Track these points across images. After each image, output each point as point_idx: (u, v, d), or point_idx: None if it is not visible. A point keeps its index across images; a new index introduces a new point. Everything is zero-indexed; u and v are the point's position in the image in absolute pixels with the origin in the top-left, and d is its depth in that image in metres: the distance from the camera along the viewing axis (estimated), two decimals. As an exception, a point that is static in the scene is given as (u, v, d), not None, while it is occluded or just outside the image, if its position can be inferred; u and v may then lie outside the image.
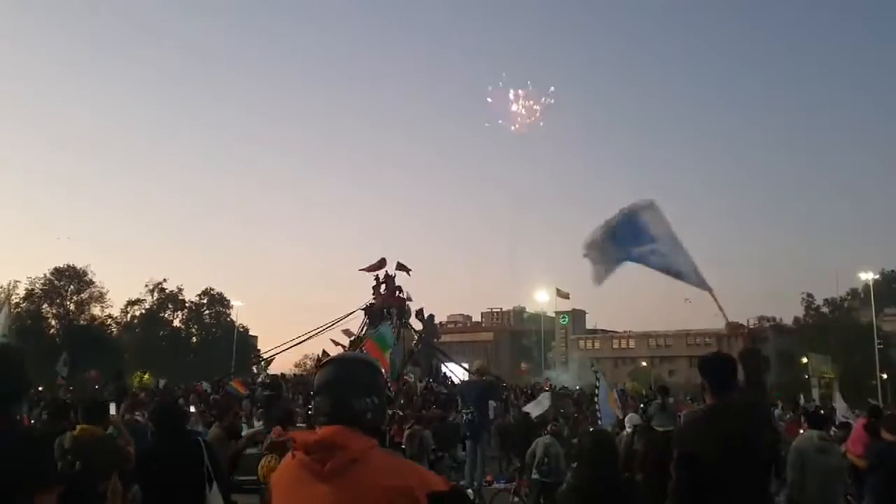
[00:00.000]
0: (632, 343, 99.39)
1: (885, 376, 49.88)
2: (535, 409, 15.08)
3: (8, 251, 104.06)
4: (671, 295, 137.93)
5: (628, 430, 10.16)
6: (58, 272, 60.69)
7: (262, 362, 41.23)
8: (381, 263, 35.88)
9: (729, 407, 3.95)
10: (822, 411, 10.05)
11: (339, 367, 2.23)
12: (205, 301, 69.83)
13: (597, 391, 14.00)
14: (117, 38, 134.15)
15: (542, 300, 66.19)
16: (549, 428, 11.80)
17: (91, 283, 61.89)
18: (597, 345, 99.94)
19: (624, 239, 4.75)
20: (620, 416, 12.54)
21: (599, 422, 13.37)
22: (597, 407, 14.15)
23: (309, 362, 69.64)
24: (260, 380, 28.21)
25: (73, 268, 61.26)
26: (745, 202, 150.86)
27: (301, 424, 8.46)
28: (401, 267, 35.81)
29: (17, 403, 2.89)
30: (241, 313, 70.05)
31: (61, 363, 21.97)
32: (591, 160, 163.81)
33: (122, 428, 5.97)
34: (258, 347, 66.40)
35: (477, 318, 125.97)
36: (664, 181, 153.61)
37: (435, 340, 38.22)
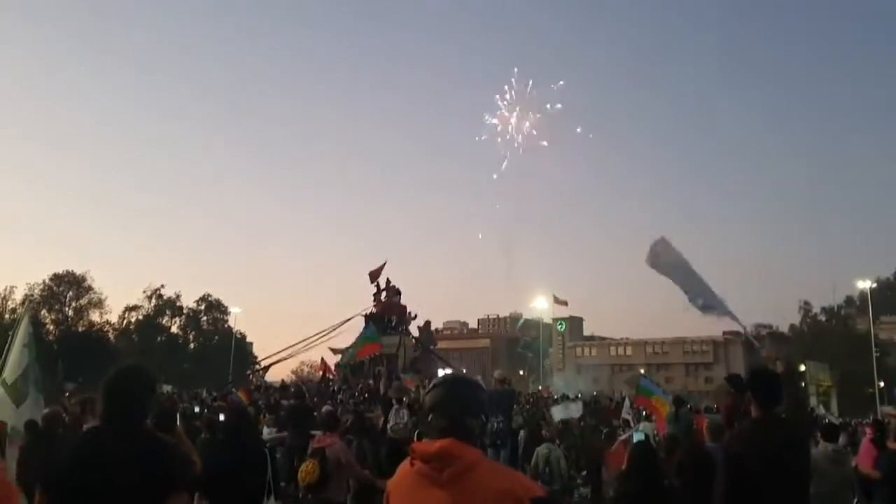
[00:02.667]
0: (629, 350, 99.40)
1: (882, 384, 49.98)
2: (561, 413, 15.01)
3: (6, 257, 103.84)
4: (668, 302, 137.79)
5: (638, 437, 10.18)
6: (57, 278, 60.65)
7: (259, 370, 41.16)
8: (382, 267, 35.83)
9: (777, 420, 4.15)
10: (831, 422, 10.12)
11: (453, 388, 2.50)
12: (202, 307, 69.75)
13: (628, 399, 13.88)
14: (120, 45, 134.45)
15: (539, 307, 66.13)
16: (544, 434, 11.88)
17: (90, 289, 62.00)
18: (594, 352, 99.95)
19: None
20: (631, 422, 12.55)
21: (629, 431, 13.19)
22: (627, 417, 14.09)
23: (306, 369, 69.68)
24: (261, 387, 28.26)
25: (72, 274, 61.26)
26: (743, 210, 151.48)
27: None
28: (393, 289, 35.71)
29: (144, 414, 3.15)
30: (239, 320, 70.10)
31: (59, 374, 21.58)
32: (592, 169, 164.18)
33: (183, 436, 6.05)
34: (255, 354, 66.41)
35: (473, 324, 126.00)
36: (661, 189, 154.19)
37: (432, 347, 38.19)
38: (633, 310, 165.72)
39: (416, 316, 36.40)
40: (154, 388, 3.24)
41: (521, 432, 13.29)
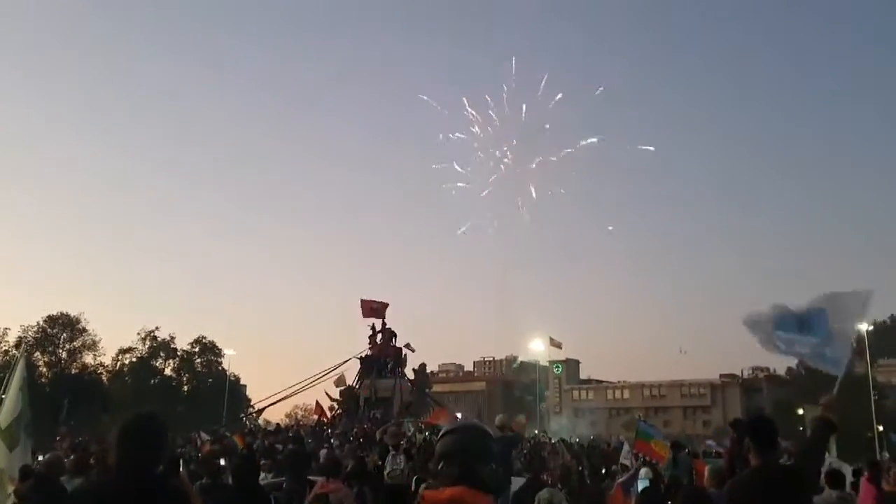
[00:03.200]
0: (626, 393, 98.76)
1: (881, 427, 49.68)
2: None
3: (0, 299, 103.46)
4: (664, 345, 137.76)
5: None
6: (51, 320, 60.18)
7: (253, 413, 40.80)
8: (384, 306, 35.65)
9: (779, 468, 4.19)
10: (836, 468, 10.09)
11: (464, 436, 2.53)
12: (196, 349, 69.19)
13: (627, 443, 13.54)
14: (107, 98, 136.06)
15: (535, 349, 65.89)
16: (544, 478, 11.73)
17: (84, 330, 61.45)
18: (591, 395, 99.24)
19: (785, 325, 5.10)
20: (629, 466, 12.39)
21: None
22: (626, 462, 13.88)
23: (300, 412, 68.99)
24: (253, 430, 28.01)
25: (67, 315, 60.79)
26: (740, 248, 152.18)
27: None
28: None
29: (157, 461, 3.15)
30: (233, 362, 69.58)
31: (64, 415, 21.53)
32: (589, 212, 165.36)
33: (187, 482, 6.05)
34: (248, 397, 65.75)
35: (469, 367, 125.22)
36: (664, 228, 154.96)
37: (427, 390, 37.89)
38: (630, 352, 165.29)
39: (410, 349, 35.79)
40: (166, 436, 3.25)
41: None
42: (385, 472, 11.18)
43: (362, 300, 35.62)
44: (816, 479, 5.56)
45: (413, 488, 11.18)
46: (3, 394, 11.53)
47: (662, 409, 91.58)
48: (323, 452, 18.68)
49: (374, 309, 35.59)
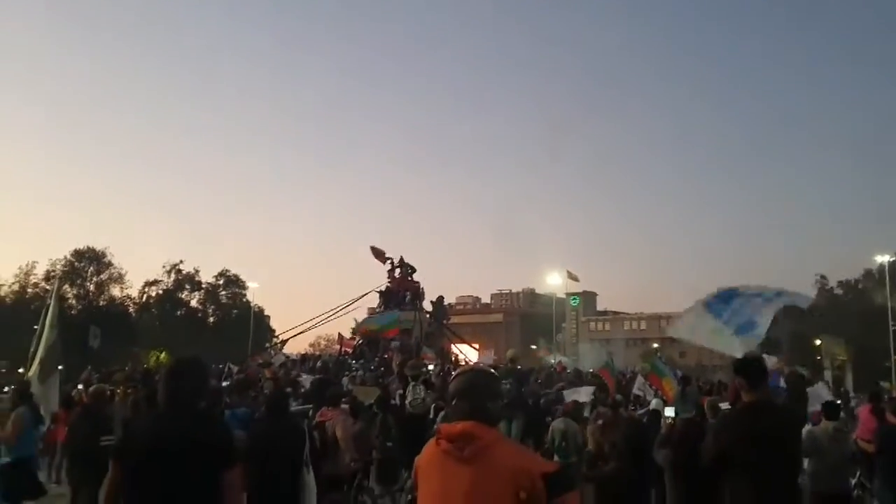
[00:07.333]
0: (643, 325, 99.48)
1: (897, 358, 49.81)
2: (571, 397, 15.19)
3: (28, 233, 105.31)
4: (681, 277, 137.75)
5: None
6: (78, 254, 61.45)
7: (278, 344, 41.83)
8: (383, 257, 36.06)
9: (767, 406, 4.48)
10: (839, 401, 10.37)
11: (475, 377, 2.87)
12: (221, 282, 70.46)
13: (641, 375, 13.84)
14: (147, 30, 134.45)
15: (552, 283, 66.26)
16: (560, 410, 12.14)
17: (110, 264, 62.73)
18: (607, 326, 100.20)
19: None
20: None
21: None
22: (639, 392, 14.28)
23: (323, 342, 70.46)
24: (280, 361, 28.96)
25: (93, 250, 62.01)
26: (760, 184, 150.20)
27: (344, 405, 8.95)
28: (407, 266, 35.97)
29: (201, 398, 3.55)
30: (256, 294, 70.84)
31: (91, 336, 22.37)
32: (605, 143, 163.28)
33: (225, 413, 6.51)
34: (272, 328, 67.22)
35: (486, 299, 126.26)
36: (680, 163, 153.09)
37: (445, 322, 38.47)
38: (647, 284, 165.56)
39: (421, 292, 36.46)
40: (207, 376, 3.62)
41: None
42: (407, 402, 11.70)
43: (371, 247, 36.40)
44: (804, 419, 5.83)
45: (432, 415, 11.75)
46: (40, 326, 12.20)
47: (679, 341, 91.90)
48: (344, 380, 19.40)
49: (380, 253, 36.26)
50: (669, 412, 8.90)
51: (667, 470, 6.24)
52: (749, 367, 4.55)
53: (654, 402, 11.40)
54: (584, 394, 14.22)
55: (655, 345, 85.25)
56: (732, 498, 4.31)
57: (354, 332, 33.59)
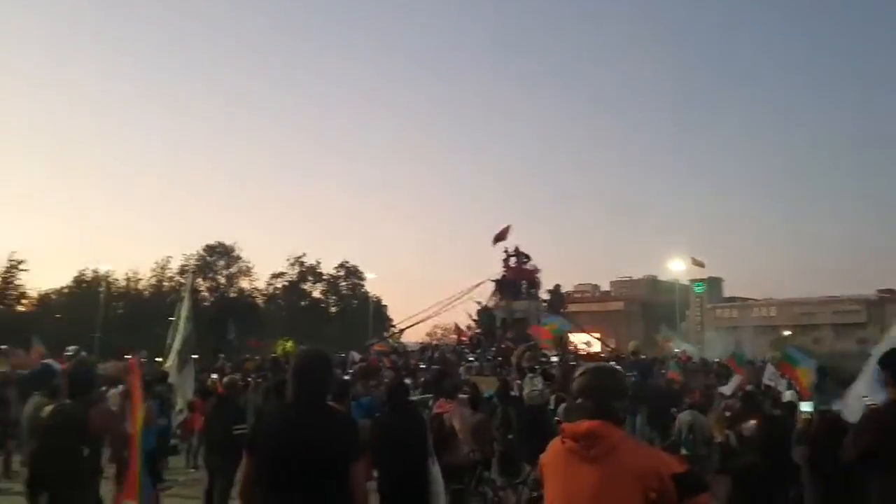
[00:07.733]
0: (772, 311, 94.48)
1: None
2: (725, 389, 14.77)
3: (162, 229, 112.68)
4: (813, 260, 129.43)
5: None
6: (209, 248, 65.27)
7: (396, 333, 42.83)
8: (506, 231, 35.67)
9: None
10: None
11: (601, 375, 2.82)
12: (341, 273, 72.91)
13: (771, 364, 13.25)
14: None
15: (675, 269, 64.03)
16: (686, 401, 11.74)
17: (239, 258, 66.21)
18: (735, 314, 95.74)
19: None
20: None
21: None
22: (770, 383, 13.67)
23: (439, 332, 71.52)
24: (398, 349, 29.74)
25: (223, 244, 65.81)
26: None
27: (463, 396, 8.98)
28: (522, 254, 35.52)
29: (327, 392, 3.71)
30: (374, 284, 72.77)
31: (230, 330, 23.71)
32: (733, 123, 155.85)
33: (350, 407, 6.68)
34: (390, 317, 68.93)
35: (606, 287, 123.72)
36: (821, 135, 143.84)
37: (562, 311, 37.95)
38: (778, 269, 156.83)
39: (539, 270, 35.87)
40: (332, 370, 3.71)
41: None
42: (524, 394, 11.61)
43: (494, 236, 36.11)
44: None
45: (553, 406, 11.61)
46: (176, 319, 13.04)
47: (812, 327, 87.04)
48: (461, 370, 19.53)
49: (499, 236, 35.90)
50: (806, 407, 8.36)
51: (804, 468, 5.91)
52: None
53: (788, 395, 10.73)
54: (727, 389, 13.90)
55: (787, 332, 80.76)
56: (883, 496, 4.02)
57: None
